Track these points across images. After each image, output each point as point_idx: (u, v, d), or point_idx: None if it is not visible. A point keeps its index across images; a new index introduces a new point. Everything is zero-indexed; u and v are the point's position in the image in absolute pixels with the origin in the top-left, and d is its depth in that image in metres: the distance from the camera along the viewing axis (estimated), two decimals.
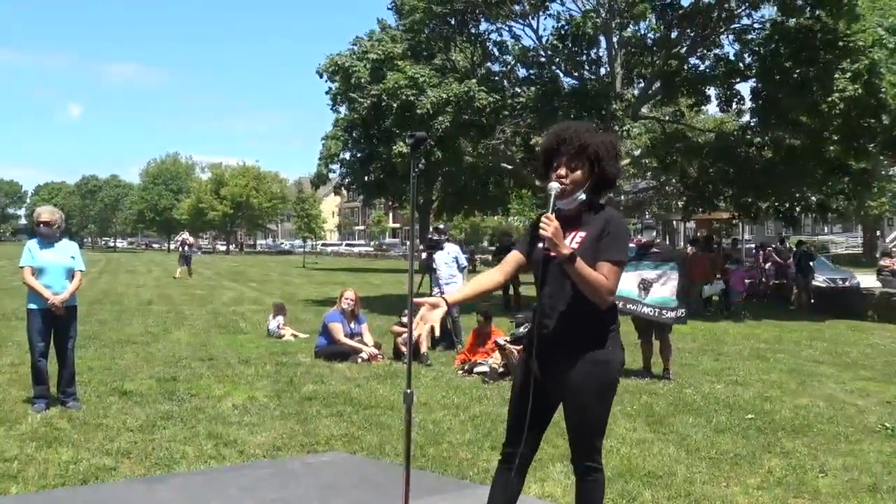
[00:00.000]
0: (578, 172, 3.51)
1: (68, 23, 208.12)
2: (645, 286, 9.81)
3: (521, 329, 9.73)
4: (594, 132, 3.57)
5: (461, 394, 8.55)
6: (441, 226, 13.44)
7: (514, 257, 3.73)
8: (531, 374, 3.57)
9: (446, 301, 3.56)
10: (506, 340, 9.75)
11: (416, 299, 3.63)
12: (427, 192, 34.21)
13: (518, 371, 3.76)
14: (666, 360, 10.01)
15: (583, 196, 3.55)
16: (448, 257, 12.64)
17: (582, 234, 3.52)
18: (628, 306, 9.90)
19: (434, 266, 12.40)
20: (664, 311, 9.83)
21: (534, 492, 5.28)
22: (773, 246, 25.44)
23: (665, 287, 9.83)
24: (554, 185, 3.49)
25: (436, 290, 12.38)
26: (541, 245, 3.49)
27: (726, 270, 19.75)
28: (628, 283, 9.85)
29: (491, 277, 3.74)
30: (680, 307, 9.89)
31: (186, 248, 33.13)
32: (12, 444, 6.19)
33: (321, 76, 21.88)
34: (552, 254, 3.41)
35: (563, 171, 3.52)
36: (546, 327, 3.54)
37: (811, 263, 21.73)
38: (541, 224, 3.35)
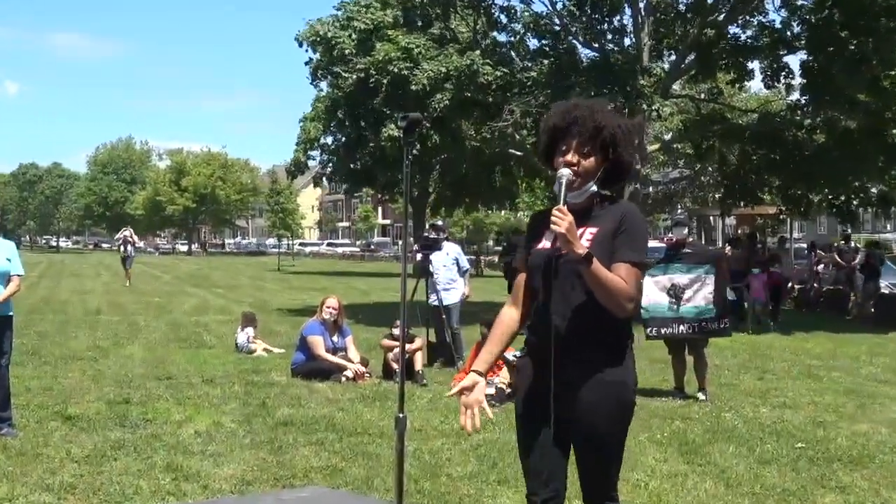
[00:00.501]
0: (591, 159, 3.45)
1: None
2: (676, 294, 9.80)
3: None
4: (610, 113, 3.52)
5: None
6: (439, 222, 13.46)
7: (522, 281, 3.67)
8: (541, 401, 3.46)
9: (481, 374, 3.55)
10: (515, 356, 9.73)
11: (453, 392, 3.56)
12: (423, 183, 34.30)
13: (521, 399, 3.63)
14: (701, 378, 10.01)
15: (594, 187, 3.49)
16: (447, 259, 12.63)
17: (593, 230, 3.45)
18: (663, 331, 9.91)
19: (431, 269, 12.39)
20: (704, 324, 9.84)
21: None
22: (836, 245, 25.34)
23: (699, 294, 9.82)
24: (565, 172, 3.41)
25: (432, 296, 12.38)
26: (547, 244, 3.45)
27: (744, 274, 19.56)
28: (657, 293, 9.86)
29: (511, 316, 3.69)
30: (722, 316, 9.90)
31: (129, 247, 31.63)
32: None
33: (300, 44, 21.90)
34: (561, 252, 3.35)
35: (572, 157, 3.44)
36: (553, 342, 3.44)
37: (880, 267, 21.68)
38: (552, 218, 3.27)
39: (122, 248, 31.79)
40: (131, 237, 31.84)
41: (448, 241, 13.15)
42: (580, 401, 3.41)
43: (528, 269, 3.59)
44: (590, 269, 3.26)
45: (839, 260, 23.38)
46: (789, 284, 23.15)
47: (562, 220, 3.24)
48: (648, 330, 10.04)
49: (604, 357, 3.43)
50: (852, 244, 24.70)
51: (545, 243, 3.51)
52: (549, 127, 3.55)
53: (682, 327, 9.82)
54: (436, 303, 12.34)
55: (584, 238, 3.41)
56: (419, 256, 12.85)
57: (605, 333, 3.42)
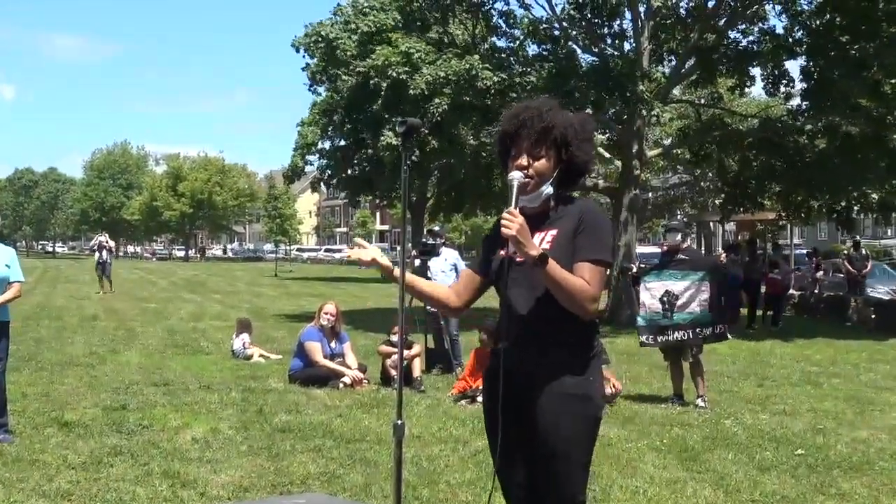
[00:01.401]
0: (543, 160, 3.38)
1: None
2: (669, 301, 9.82)
3: None
4: (559, 111, 3.43)
5: (461, 425, 8.56)
6: (437, 228, 13.47)
7: (465, 278, 3.63)
8: (504, 411, 3.36)
9: (387, 269, 3.56)
10: None
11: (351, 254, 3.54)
12: (421, 188, 34.32)
13: (486, 410, 3.55)
14: (699, 385, 10.02)
15: (549, 189, 3.41)
16: (445, 264, 12.65)
17: (553, 232, 3.37)
18: (659, 338, 9.93)
19: (429, 275, 12.41)
20: (699, 329, 9.85)
21: None
22: (847, 252, 25.27)
23: (695, 301, 9.84)
24: (516, 175, 3.34)
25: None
26: (502, 251, 3.38)
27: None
28: (652, 300, 9.87)
29: (445, 292, 3.71)
30: (718, 322, 9.91)
31: (105, 253, 29.91)
32: None
33: (298, 51, 21.98)
34: (517, 258, 3.28)
35: (523, 161, 3.38)
36: (509, 351, 3.39)
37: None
38: (502, 221, 3.19)
39: (97, 254, 30.31)
40: (107, 242, 30.33)
41: (446, 246, 13.16)
42: (540, 413, 3.31)
43: (491, 278, 3.54)
44: (545, 271, 3.17)
45: (850, 268, 23.29)
46: (789, 291, 23.15)
47: (511, 222, 3.16)
48: (643, 337, 10.07)
49: (566, 365, 3.32)
50: (863, 251, 24.51)
51: (505, 250, 3.41)
52: (500, 133, 3.51)
53: (676, 334, 9.84)
54: (434, 309, 12.35)
55: (545, 241, 3.35)
56: (417, 262, 12.87)
57: (566, 339, 3.33)
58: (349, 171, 24.50)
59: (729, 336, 10.41)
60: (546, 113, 3.38)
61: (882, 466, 7.29)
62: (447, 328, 12.28)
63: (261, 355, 13.29)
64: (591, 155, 3.52)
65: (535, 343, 3.34)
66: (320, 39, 21.12)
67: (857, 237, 27.78)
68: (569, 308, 3.24)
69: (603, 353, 3.53)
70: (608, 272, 3.34)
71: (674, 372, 10.19)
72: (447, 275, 12.61)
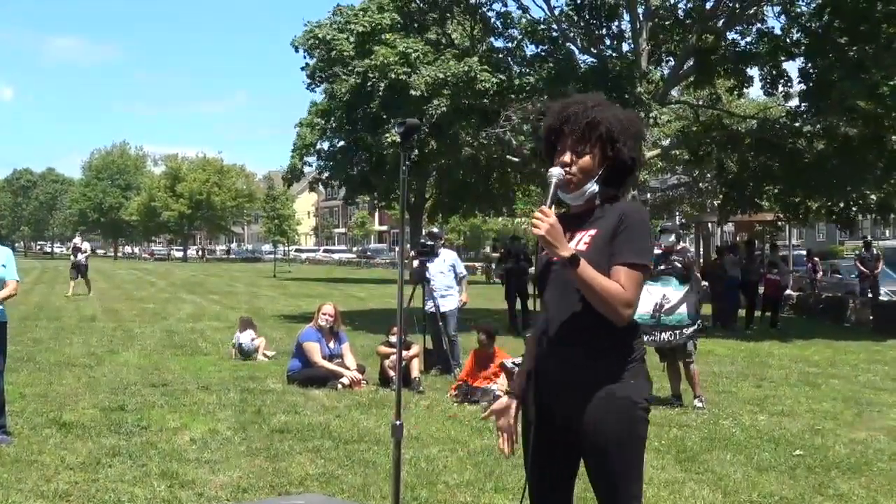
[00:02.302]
0: (587, 157, 3.27)
1: None
2: (660, 304, 9.82)
3: None
4: (607, 106, 3.33)
5: (459, 426, 8.56)
6: (435, 230, 13.47)
7: None
8: (543, 415, 3.36)
9: (514, 396, 3.47)
10: (514, 363, 9.76)
11: (486, 415, 3.46)
12: (420, 189, 34.35)
13: (525, 413, 3.47)
14: (694, 385, 10.02)
15: (594, 187, 3.30)
16: (444, 265, 12.65)
17: (592, 231, 3.27)
18: (644, 337, 9.91)
19: (428, 276, 12.41)
20: (683, 330, 9.88)
21: None
22: (858, 253, 25.23)
23: (683, 305, 9.88)
24: (555, 172, 3.26)
25: (429, 302, 12.40)
26: (543, 252, 3.30)
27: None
28: (645, 303, 9.86)
29: None
30: (695, 321, 9.97)
31: (80, 255, 29.02)
32: None
33: (297, 50, 21.98)
34: (554, 258, 3.21)
35: (567, 157, 3.28)
36: (548, 354, 3.33)
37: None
38: (532, 221, 3.13)
39: (73, 255, 29.38)
40: (80, 244, 29.47)
41: (444, 247, 13.16)
42: (583, 417, 3.22)
43: (537, 277, 3.46)
44: (576, 273, 3.09)
45: (862, 268, 23.25)
46: (787, 291, 23.17)
47: (541, 221, 3.10)
48: (648, 337, 10.06)
49: (604, 368, 3.23)
50: (874, 251, 24.42)
51: (544, 250, 3.34)
52: (545, 128, 3.42)
53: (664, 335, 9.86)
54: (432, 309, 12.36)
55: (583, 241, 3.26)
56: (416, 263, 12.88)
57: (604, 342, 3.22)
58: (348, 172, 24.42)
59: (704, 326, 10.44)
60: (592, 109, 3.28)
61: (880, 467, 7.30)
62: (446, 329, 12.28)
63: (264, 354, 13.32)
64: (639, 152, 3.39)
65: (573, 346, 3.25)
66: (317, 42, 21.13)
67: (868, 237, 27.73)
68: (602, 312, 3.15)
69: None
70: (645, 276, 3.22)
71: (670, 373, 10.19)
72: (445, 276, 12.62)
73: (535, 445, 3.37)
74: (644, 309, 9.86)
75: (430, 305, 12.42)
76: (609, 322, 3.17)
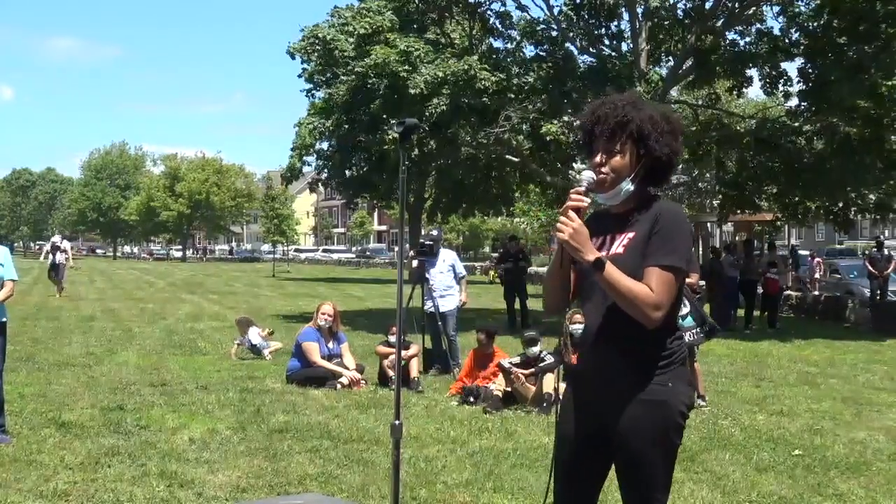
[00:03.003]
0: (618, 158, 3.25)
1: None
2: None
3: (535, 349, 9.75)
4: (638, 104, 3.30)
5: (458, 426, 8.55)
6: (434, 232, 13.45)
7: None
8: (580, 419, 3.36)
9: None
10: (511, 363, 9.76)
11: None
12: (419, 189, 34.35)
13: (562, 416, 3.48)
14: (698, 385, 10.01)
15: (630, 187, 3.28)
16: (443, 265, 12.64)
17: (630, 234, 3.26)
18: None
19: (427, 276, 12.42)
20: (697, 330, 9.84)
21: None
22: (868, 253, 25.11)
23: (688, 305, 9.82)
24: (586, 175, 3.25)
25: (428, 302, 12.40)
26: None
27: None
28: None
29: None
30: (703, 323, 9.92)
31: (59, 255, 27.60)
32: None
33: (293, 57, 21.97)
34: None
35: (598, 158, 3.27)
36: (587, 358, 3.34)
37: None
38: (557, 225, 3.11)
39: (52, 255, 27.85)
40: (60, 243, 27.93)
41: (444, 248, 13.16)
42: (618, 420, 3.22)
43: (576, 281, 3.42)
44: (602, 277, 3.09)
45: (871, 269, 23.18)
46: (786, 291, 23.15)
47: (565, 226, 3.08)
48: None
49: (642, 371, 3.21)
50: (885, 252, 24.28)
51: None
52: (578, 129, 3.43)
53: (686, 336, 9.81)
54: (432, 309, 12.36)
55: (622, 244, 3.25)
56: (415, 263, 12.88)
57: (639, 345, 3.21)
58: (347, 172, 24.45)
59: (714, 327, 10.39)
60: (623, 107, 3.26)
61: (879, 467, 7.30)
62: (445, 329, 12.28)
63: (271, 352, 13.37)
64: (676, 148, 3.33)
65: (610, 348, 3.25)
66: (317, 41, 21.12)
67: (881, 236, 27.56)
68: (631, 314, 3.13)
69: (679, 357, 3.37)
70: (680, 279, 3.20)
71: None
72: (445, 276, 12.62)
73: (566, 451, 3.39)
74: None
75: (429, 305, 12.43)
76: (646, 328, 3.16)
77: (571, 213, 3.12)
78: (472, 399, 9.73)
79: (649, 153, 3.26)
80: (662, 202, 3.34)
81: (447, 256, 12.87)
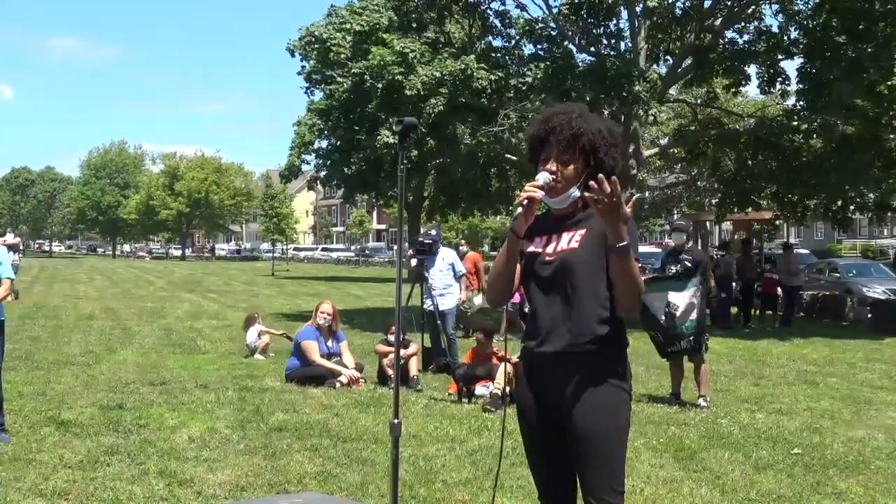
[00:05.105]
0: (571, 167, 3.46)
1: None
2: (671, 312, 9.72)
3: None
4: (588, 117, 3.51)
5: (457, 424, 8.56)
6: (433, 232, 13.45)
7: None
8: (538, 412, 3.52)
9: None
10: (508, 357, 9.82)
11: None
12: (418, 188, 34.34)
13: (520, 411, 3.64)
14: (701, 384, 10.00)
15: (577, 193, 3.47)
16: (443, 264, 12.64)
17: (581, 231, 3.45)
18: (669, 349, 9.87)
19: (427, 275, 12.43)
20: (692, 338, 9.82)
21: None
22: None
23: (696, 309, 9.78)
24: (543, 176, 3.43)
25: (427, 301, 12.40)
26: (535, 249, 3.50)
27: None
28: (654, 308, 9.80)
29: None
30: (703, 331, 9.90)
31: (13, 254, 25.73)
32: None
33: (292, 54, 21.97)
34: (548, 257, 3.43)
35: (552, 166, 3.46)
36: (543, 347, 3.46)
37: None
38: (604, 199, 3.16)
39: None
40: (14, 239, 24.96)
41: (444, 246, 13.16)
42: (576, 408, 3.39)
43: (523, 272, 3.57)
44: (629, 261, 3.26)
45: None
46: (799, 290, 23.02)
47: (612, 197, 3.15)
48: (670, 348, 9.94)
49: (601, 363, 3.40)
50: None
51: (534, 247, 3.53)
52: (530, 136, 3.59)
53: (682, 343, 9.78)
54: (431, 308, 12.37)
55: (573, 240, 3.45)
56: (414, 262, 12.88)
57: (601, 339, 3.40)
58: (346, 171, 24.41)
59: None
60: (576, 120, 3.45)
61: (878, 465, 7.30)
62: (444, 328, 12.28)
63: (263, 352, 13.39)
64: (619, 160, 3.56)
65: (566, 340, 3.41)
66: (314, 40, 21.11)
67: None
68: (626, 302, 3.38)
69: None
70: None
71: (674, 371, 10.16)
72: (444, 274, 12.62)
73: (534, 442, 3.57)
74: (658, 318, 9.80)
75: (428, 303, 12.43)
76: (603, 314, 3.39)
77: (612, 180, 3.17)
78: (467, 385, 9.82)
79: (599, 165, 3.44)
80: None
81: (446, 255, 12.88)
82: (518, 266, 3.56)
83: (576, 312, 3.40)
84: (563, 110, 3.52)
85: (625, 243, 3.22)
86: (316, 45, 21.16)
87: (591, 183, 3.19)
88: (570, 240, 3.45)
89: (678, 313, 9.70)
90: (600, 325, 3.39)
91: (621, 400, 3.44)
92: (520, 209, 3.36)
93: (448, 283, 12.63)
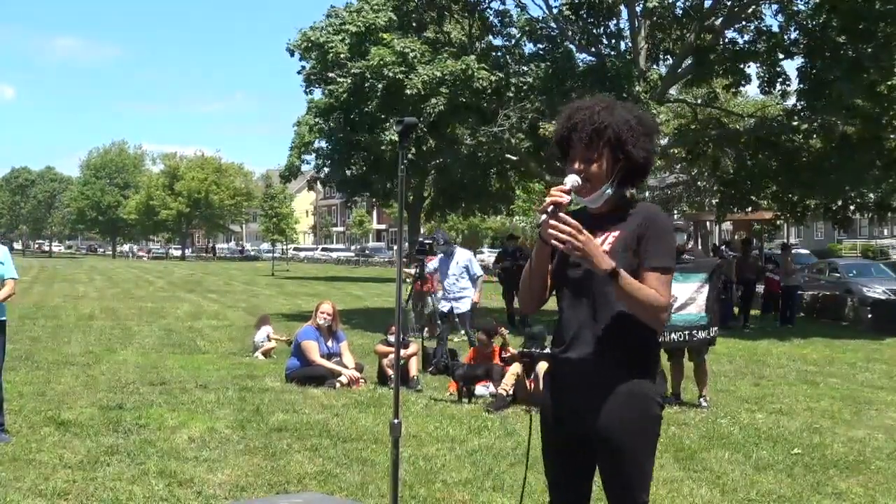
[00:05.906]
0: (595, 165, 3.27)
1: None
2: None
3: (536, 348, 9.76)
4: (612, 108, 3.31)
5: (457, 424, 8.55)
6: (438, 234, 13.42)
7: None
8: (563, 419, 3.39)
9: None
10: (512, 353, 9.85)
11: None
12: (418, 188, 34.33)
13: (545, 416, 3.51)
14: (702, 385, 10.00)
15: (610, 190, 3.30)
16: (457, 267, 12.58)
17: (615, 234, 3.29)
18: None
19: (427, 273, 12.43)
20: (694, 332, 9.81)
21: None
22: None
23: (694, 303, 9.79)
24: (571, 178, 3.25)
25: (443, 302, 12.41)
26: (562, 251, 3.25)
27: None
28: None
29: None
30: (711, 325, 9.88)
31: None
32: None
33: (292, 54, 21.97)
34: (572, 259, 3.20)
35: (577, 165, 3.28)
36: (569, 352, 3.34)
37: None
38: (551, 231, 3.07)
39: None
40: None
41: (460, 247, 13.13)
42: (602, 416, 3.26)
43: (553, 276, 3.43)
44: (618, 285, 3.10)
45: None
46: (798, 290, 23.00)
47: (576, 238, 3.05)
48: (659, 338, 9.96)
49: (627, 370, 3.26)
50: None
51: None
52: (555, 136, 3.43)
53: (673, 335, 9.78)
54: (446, 309, 12.39)
55: (606, 243, 3.27)
56: (412, 269, 12.91)
57: (628, 345, 3.26)
58: (346, 171, 24.44)
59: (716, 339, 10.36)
60: (598, 113, 3.27)
61: (878, 465, 7.30)
62: (463, 328, 12.43)
63: (266, 351, 13.40)
64: (651, 151, 3.38)
65: (597, 347, 3.27)
66: (311, 45, 21.12)
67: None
68: (641, 318, 3.20)
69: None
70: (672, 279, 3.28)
71: (674, 371, 10.15)
72: (459, 278, 12.57)
73: (552, 446, 3.44)
74: None
75: (445, 305, 12.44)
76: (634, 325, 3.22)
77: (566, 218, 3.08)
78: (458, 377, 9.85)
79: (627, 157, 3.28)
80: (643, 204, 3.40)
81: (461, 257, 12.80)
82: (549, 267, 3.40)
83: (603, 318, 3.26)
84: (587, 105, 3.34)
85: (607, 269, 3.08)
86: (314, 50, 21.17)
87: (567, 229, 3.05)
88: (602, 241, 3.25)
89: (675, 304, 9.68)
90: (628, 332, 3.24)
91: (649, 409, 3.30)
92: (543, 216, 3.13)
93: (464, 286, 12.63)
